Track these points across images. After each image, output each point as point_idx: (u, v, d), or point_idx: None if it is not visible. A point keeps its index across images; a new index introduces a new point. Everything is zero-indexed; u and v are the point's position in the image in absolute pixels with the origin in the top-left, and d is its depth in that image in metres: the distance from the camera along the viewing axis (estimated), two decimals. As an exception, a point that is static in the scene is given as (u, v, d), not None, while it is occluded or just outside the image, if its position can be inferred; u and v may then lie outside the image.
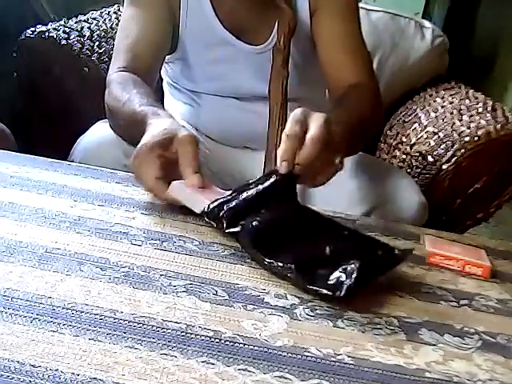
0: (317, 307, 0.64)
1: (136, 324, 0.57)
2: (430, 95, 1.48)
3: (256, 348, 0.56)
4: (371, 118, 1.03)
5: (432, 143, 1.26)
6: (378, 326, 0.63)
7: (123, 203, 0.80)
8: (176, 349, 0.54)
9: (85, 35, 1.37)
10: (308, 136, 0.74)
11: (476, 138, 1.19)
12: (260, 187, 0.76)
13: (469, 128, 1.22)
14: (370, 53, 1.52)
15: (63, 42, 1.31)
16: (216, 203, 0.75)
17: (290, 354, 0.56)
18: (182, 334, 0.57)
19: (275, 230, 0.72)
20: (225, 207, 0.74)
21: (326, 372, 0.55)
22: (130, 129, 0.90)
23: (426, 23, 1.65)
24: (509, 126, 1.22)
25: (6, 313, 0.55)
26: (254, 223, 0.72)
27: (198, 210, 0.76)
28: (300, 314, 0.63)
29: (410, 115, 1.44)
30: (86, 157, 0.97)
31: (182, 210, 0.80)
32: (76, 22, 1.40)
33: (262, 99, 1.13)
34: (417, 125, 1.36)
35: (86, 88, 1.29)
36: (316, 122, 0.75)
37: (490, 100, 1.35)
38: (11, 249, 0.66)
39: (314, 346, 0.58)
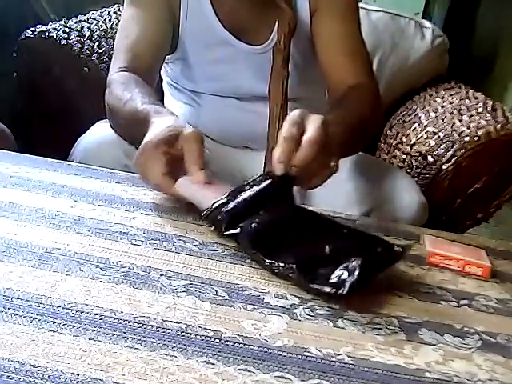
0: (317, 307, 0.64)
1: (136, 324, 0.57)
2: (430, 95, 1.48)
3: (256, 348, 0.56)
4: (371, 119, 1.03)
5: (432, 143, 1.26)
6: (378, 326, 0.63)
7: (123, 203, 0.80)
8: (176, 349, 0.54)
9: (85, 35, 1.37)
10: (305, 138, 0.74)
11: (476, 138, 1.19)
12: (256, 188, 0.76)
13: (469, 128, 1.22)
14: (370, 53, 1.53)
15: (63, 41, 1.31)
16: (214, 206, 0.75)
17: (289, 354, 0.56)
18: (182, 334, 0.57)
19: (274, 230, 0.72)
20: (223, 210, 0.74)
21: (325, 372, 0.55)
22: (131, 127, 0.90)
23: (426, 23, 1.65)
24: (509, 125, 1.22)
25: (5, 313, 0.55)
26: (252, 225, 0.72)
27: (204, 206, 0.76)
28: (300, 314, 0.63)
29: (410, 115, 1.44)
30: (86, 157, 0.97)
31: (182, 210, 0.80)
32: (76, 22, 1.40)
33: (261, 99, 1.13)
34: (417, 125, 1.36)
35: (85, 88, 1.29)
36: (313, 124, 0.75)
37: (489, 100, 1.35)
38: (11, 249, 0.66)
39: (314, 346, 0.58)
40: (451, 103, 1.37)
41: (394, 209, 1.04)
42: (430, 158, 1.23)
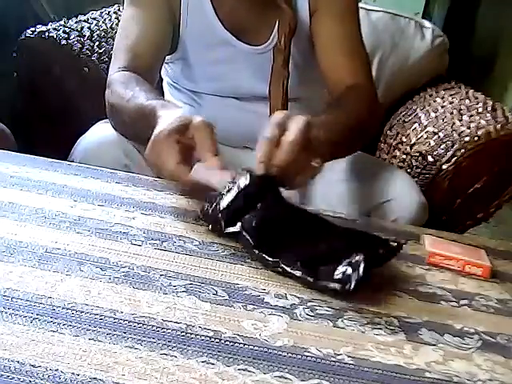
0: (317, 307, 0.64)
1: (136, 324, 0.57)
2: (430, 95, 1.48)
3: (256, 348, 0.56)
4: (368, 119, 1.03)
5: (432, 143, 1.25)
6: (378, 326, 0.63)
7: (123, 203, 0.80)
8: (176, 349, 0.54)
9: (85, 35, 1.37)
10: (285, 139, 0.75)
11: (476, 138, 1.19)
12: (241, 187, 0.76)
13: (469, 128, 1.22)
14: (370, 53, 1.53)
15: (63, 41, 1.30)
16: (209, 206, 0.75)
17: (289, 354, 0.56)
18: (182, 334, 0.57)
19: (274, 228, 0.73)
20: (219, 208, 0.74)
21: (325, 372, 0.55)
22: (136, 123, 0.90)
23: (426, 23, 1.65)
24: (509, 126, 1.22)
25: (5, 313, 0.55)
26: (252, 223, 0.72)
27: (223, 187, 0.76)
28: (300, 314, 0.63)
29: (410, 115, 1.44)
30: (86, 157, 0.97)
31: (181, 210, 0.80)
32: (76, 22, 1.40)
33: (262, 99, 1.13)
34: (417, 125, 1.36)
35: (86, 88, 1.29)
36: (295, 125, 0.76)
37: (490, 100, 1.35)
38: (11, 249, 0.66)
39: (314, 346, 0.58)
40: (451, 103, 1.37)
41: (393, 209, 1.04)
42: (430, 158, 1.23)
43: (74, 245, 0.68)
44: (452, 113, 1.31)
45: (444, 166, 1.20)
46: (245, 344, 0.57)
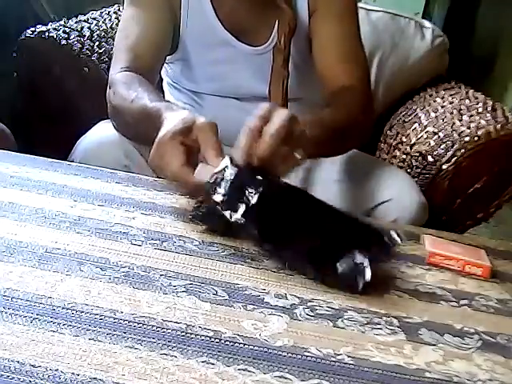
0: (317, 307, 0.64)
1: (136, 324, 0.57)
2: (430, 95, 1.48)
3: (256, 348, 0.56)
4: (361, 120, 1.04)
5: (432, 143, 1.25)
6: (378, 326, 0.63)
7: (123, 203, 0.80)
8: (176, 349, 0.54)
9: (85, 35, 1.37)
10: (266, 130, 0.75)
11: (476, 138, 1.19)
12: (230, 178, 0.75)
13: (469, 128, 1.22)
14: (370, 53, 1.53)
15: (63, 41, 1.30)
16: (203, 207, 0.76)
17: (289, 354, 0.56)
18: (182, 334, 0.57)
19: (275, 216, 0.73)
20: (217, 202, 0.74)
21: (325, 372, 0.55)
22: (140, 125, 0.90)
23: (426, 23, 1.65)
24: (509, 126, 1.22)
25: (5, 313, 0.55)
26: (253, 214, 0.72)
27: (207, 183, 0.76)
28: (300, 314, 0.63)
29: (410, 115, 1.44)
30: (86, 157, 0.97)
31: (182, 210, 0.80)
32: (76, 22, 1.40)
33: (262, 99, 1.12)
34: (417, 125, 1.36)
35: (86, 88, 1.29)
36: (277, 118, 0.76)
37: (490, 100, 1.35)
38: (11, 249, 0.66)
39: (314, 346, 0.58)
40: (451, 103, 1.37)
41: (393, 209, 1.04)
42: (430, 158, 1.23)
43: (74, 245, 0.68)
44: (452, 113, 1.31)
45: (444, 166, 1.20)
46: (245, 344, 0.57)
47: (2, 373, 0.48)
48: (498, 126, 1.21)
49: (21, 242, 0.67)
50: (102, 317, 0.57)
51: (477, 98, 1.36)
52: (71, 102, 1.29)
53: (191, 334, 0.57)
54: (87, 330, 0.55)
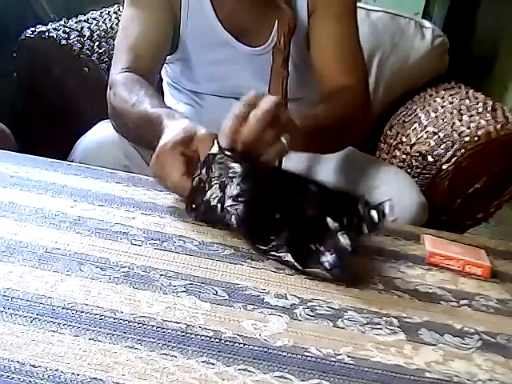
0: (317, 307, 0.64)
1: (136, 324, 0.57)
2: (430, 95, 1.48)
3: (256, 348, 0.56)
4: (357, 119, 1.04)
5: (432, 143, 1.25)
6: (378, 326, 0.63)
7: (123, 203, 0.80)
8: (176, 349, 0.54)
9: (85, 35, 1.37)
10: (251, 115, 0.75)
11: (476, 138, 1.19)
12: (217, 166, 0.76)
13: (469, 128, 1.22)
14: (370, 53, 1.53)
15: (63, 41, 1.30)
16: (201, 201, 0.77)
17: (289, 354, 0.56)
18: (182, 334, 0.57)
19: (256, 204, 0.74)
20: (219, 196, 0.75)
21: (325, 372, 0.55)
22: (139, 129, 0.90)
23: (426, 23, 1.65)
24: (509, 126, 1.22)
25: (5, 313, 0.55)
26: (237, 207, 0.73)
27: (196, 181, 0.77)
28: (300, 314, 0.63)
29: (410, 115, 1.44)
30: (86, 157, 0.97)
31: (182, 210, 0.80)
32: (76, 22, 1.40)
33: (262, 99, 1.13)
34: (417, 125, 1.36)
35: (86, 88, 1.29)
36: (263, 104, 0.76)
37: (490, 100, 1.35)
38: (11, 249, 0.66)
39: (314, 346, 0.58)
40: (451, 103, 1.37)
41: (393, 209, 1.04)
42: (430, 158, 1.23)
43: (74, 245, 0.68)
44: (452, 113, 1.31)
45: (444, 166, 1.20)
46: (245, 344, 0.57)
47: (2, 373, 0.48)
48: (498, 126, 1.21)
49: (21, 242, 0.67)
50: (102, 317, 0.57)
51: (477, 98, 1.36)
52: (71, 102, 1.29)
53: (191, 333, 0.57)
54: (87, 330, 0.55)
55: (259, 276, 0.69)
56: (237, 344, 0.56)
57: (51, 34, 1.30)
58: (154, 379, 0.51)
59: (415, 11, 2.58)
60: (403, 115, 1.47)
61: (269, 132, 0.76)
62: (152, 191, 0.85)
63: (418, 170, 1.25)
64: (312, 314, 0.63)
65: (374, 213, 0.69)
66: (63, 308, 0.57)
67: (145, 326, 0.57)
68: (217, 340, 0.57)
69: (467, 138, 1.20)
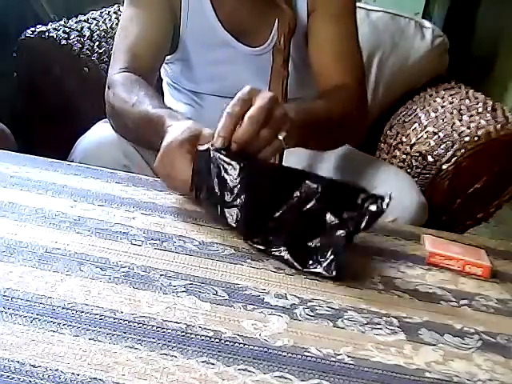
0: (317, 307, 0.64)
1: (136, 324, 0.57)
2: (430, 95, 1.48)
3: (256, 348, 0.56)
4: (354, 116, 1.04)
5: (432, 143, 1.25)
6: (378, 326, 0.63)
7: (123, 203, 0.80)
8: (176, 349, 0.54)
9: (85, 35, 1.37)
10: (246, 115, 0.75)
11: (476, 138, 1.19)
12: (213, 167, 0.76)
13: (469, 128, 1.22)
14: (370, 53, 1.54)
15: (63, 41, 1.30)
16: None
17: (290, 354, 0.56)
18: (182, 334, 0.57)
19: (257, 207, 0.74)
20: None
21: (325, 372, 0.55)
22: (139, 129, 0.90)
23: (426, 23, 1.65)
24: (509, 126, 1.22)
25: (5, 313, 0.55)
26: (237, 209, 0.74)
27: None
28: (300, 314, 0.63)
29: (410, 115, 1.44)
30: (85, 157, 0.97)
31: (182, 210, 0.80)
32: (76, 22, 1.40)
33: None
34: (417, 125, 1.36)
35: (86, 88, 1.29)
36: (258, 102, 0.75)
37: (490, 100, 1.35)
38: (11, 249, 0.66)
39: (314, 346, 0.58)
40: (451, 103, 1.37)
41: (393, 209, 1.04)
42: (429, 158, 1.23)
43: (74, 245, 0.68)
44: (452, 113, 1.31)
45: (444, 166, 1.20)
46: (245, 344, 0.57)
47: (2, 373, 0.48)
48: (498, 126, 1.21)
49: (21, 242, 0.67)
50: (102, 317, 0.57)
51: (477, 98, 1.36)
52: (71, 102, 1.29)
53: (191, 333, 0.57)
54: (87, 330, 0.55)
55: (259, 276, 0.69)
56: (237, 344, 0.56)
57: (51, 34, 1.29)
58: (153, 379, 0.51)
59: (415, 11, 2.58)
60: (403, 115, 1.47)
61: (265, 131, 0.75)
62: (152, 191, 0.85)
63: (418, 170, 1.25)
64: (312, 314, 0.63)
65: (373, 207, 0.69)
66: (63, 308, 0.57)
67: (145, 326, 0.57)
68: (217, 340, 0.57)
69: (467, 138, 1.20)
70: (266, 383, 0.52)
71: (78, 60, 1.32)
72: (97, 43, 1.38)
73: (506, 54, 2.63)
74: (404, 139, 1.37)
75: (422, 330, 0.64)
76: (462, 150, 1.19)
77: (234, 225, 0.74)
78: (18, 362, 0.50)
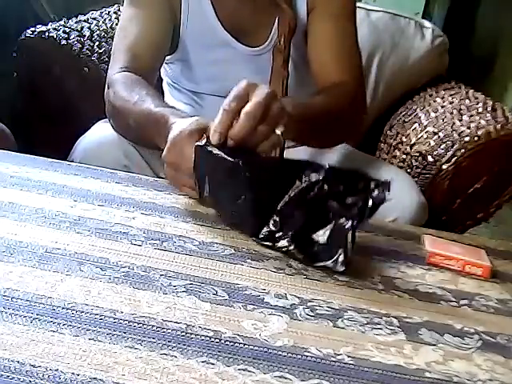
0: (317, 307, 0.64)
1: (136, 324, 0.57)
2: (430, 95, 1.48)
3: (256, 348, 0.56)
4: (351, 112, 1.05)
5: (432, 143, 1.26)
6: (378, 326, 0.63)
7: (123, 203, 0.80)
8: (176, 349, 0.54)
9: (85, 35, 1.37)
10: (242, 111, 0.74)
11: (476, 138, 1.19)
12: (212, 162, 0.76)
13: (469, 128, 1.22)
14: (370, 53, 1.54)
15: (63, 41, 1.30)
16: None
17: (289, 354, 0.56)
18: (182, 334, 0.57)
19: (261, 197, 0.74)
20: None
21: (325, 372, 0.55)
22: (141, 128, 0.90)
23: (426, 23, 1.65)
24: (509, 126, 1.22)
25: (5, 313, 0.55)
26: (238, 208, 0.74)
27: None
28: (300, 314, 0.63)
29: (410, 115, 1.44)
30: (86, 157, 0.97)
31: (182, 210, 0.80)
32: (76, 22, 1.40)
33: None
34: (417, 125, 1.36)
35: (86, 88, 1.29)
36: (255, 98, 0.75)
37: (489, 100, 1.35)
38: (11, 249, 0.66)
39: (314, 346, 0.58)
40: (451, 103, 1.37)
41: (393, 209, 1.04)
42: (429, 158, 1.23)
43: (74, 245, 0.68)
44: (452, 113, 1.31)
45: (444, 166, 1.20)
46: (245, 344, 0.57)
47: (2, 373, 0.48)
48: (498, 126, 1.21)
49: (21, 242, 0.67)
50: (102, 317, 0.57)
51: (477, 98, 1.36)
52: (71, 102, 1.29)
53: (191, 333, 0.57)
54: (87, 330, 0.55)
55: (259, 276, 0.69)
56: (237, 344, 0.56)
57: (51, 34, 1.30)
58: (153, 379, 0.51)
59: (415, 11, 2.58)
60: (403, 115, 1.47)
61: (262, 126, 0.75)
62: (152, 191, 0.85)
63: (418, 170, 1.25)
64: (312, 314, 0.63)
65: (375, 193, 0.70)
66: (63, 308, 0.57)
67: (145, 326, 0.57)
68: (217, 340, 0.57)
69: (467, 138, 1.20)
70: (266, 383, 0.52)
71: (78, 60, 1.32)
72: (97, 43, 1.38)
73: (506, 53, 2.63)
74: (404, 139, 1.37)
75: (422, 330, 0.64)
76: (462, 150, 1.19)
77: (239, 221, 0.75)
78: (18, 362, 0.50)
